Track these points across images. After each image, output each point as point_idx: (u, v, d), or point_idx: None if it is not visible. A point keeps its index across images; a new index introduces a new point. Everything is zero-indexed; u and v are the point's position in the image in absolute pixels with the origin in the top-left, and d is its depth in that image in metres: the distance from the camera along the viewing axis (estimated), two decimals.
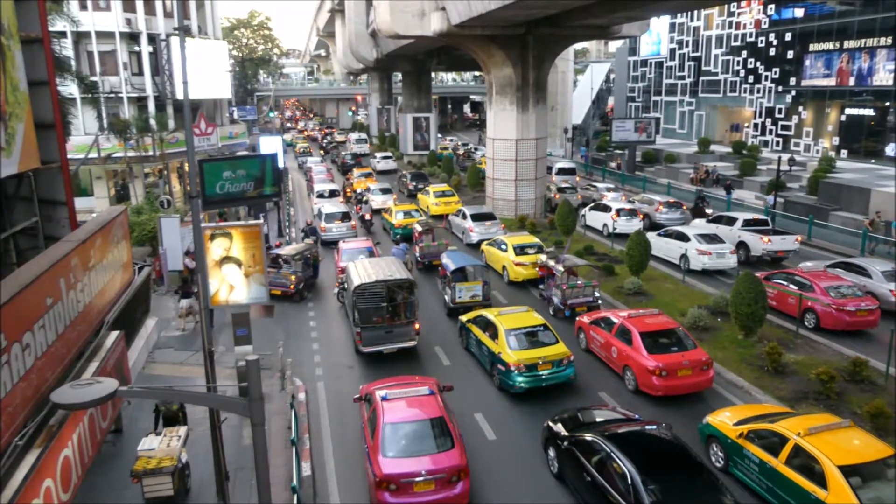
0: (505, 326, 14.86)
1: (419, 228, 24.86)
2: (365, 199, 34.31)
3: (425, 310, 18.91)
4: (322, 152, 66.63)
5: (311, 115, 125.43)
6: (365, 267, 17.35)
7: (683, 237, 23.67)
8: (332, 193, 35.17)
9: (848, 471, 9.15)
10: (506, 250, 22.61)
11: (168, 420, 11.69)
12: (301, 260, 21.59)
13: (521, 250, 22.24)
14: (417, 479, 10.05)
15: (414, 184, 40.00)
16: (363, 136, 66.80)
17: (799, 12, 45.14)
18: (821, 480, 9.32)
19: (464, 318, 17.21)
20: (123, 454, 12.08)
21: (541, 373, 14.06)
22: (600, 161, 51.15)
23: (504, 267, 22.64)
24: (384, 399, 11.29)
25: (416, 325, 16.55)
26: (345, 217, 28.57)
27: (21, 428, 6.90)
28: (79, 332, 8.74)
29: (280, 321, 18.74)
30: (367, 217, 31.65)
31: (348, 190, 38.97)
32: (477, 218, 27.53)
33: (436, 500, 10.10)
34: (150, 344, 17.05)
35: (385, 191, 35.68)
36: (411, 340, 16.45)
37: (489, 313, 15.91)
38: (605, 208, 29.38)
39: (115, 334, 10.11)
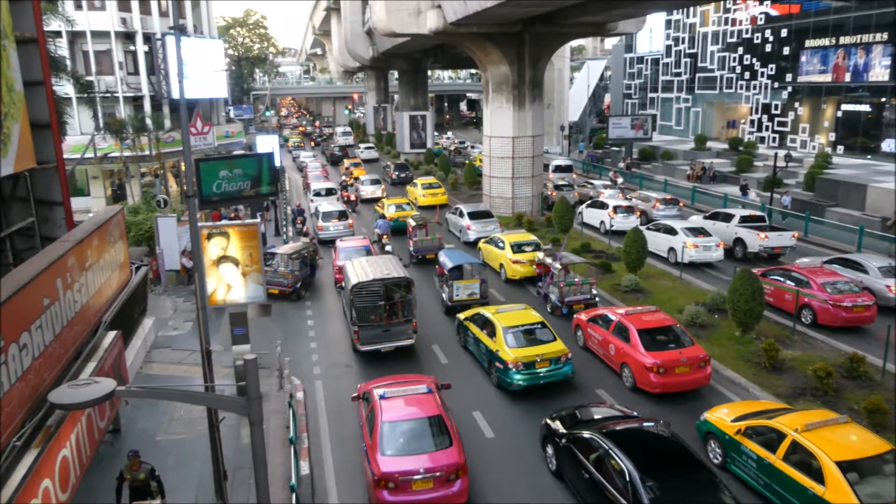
0: (503, 324, 14.87)
1: (413, 223, 25.06)
2: (351, 183, 39.42)
3: (422, 307, 18.92)
4: (312, 144, 73.26)
5: (305, 113, 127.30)
6: (362, 265, 17.34)
7: (671, 231, 24.10)
8: (329, 192, 35.35)
9: (845, 466, 9.18)
10: (503, 248, 22.62)
11: (136, 492, 9.59)
12: (298, 259, 21.57)
13: (518, 248, 22.24)
14: (416, 477, 10.05)
15: (397, 173, 43.76)
16: (348, 129, 73.53)
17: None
18: (818, 476, 9.35)
19: (461, 316, 17.22)
20: (122, 454, 12.07)
21: (539, 370, 14.07)
22: (598, 158, 51.08)
23: (501, 265, 22.64)
24: (382, 397, 11.29)
25: (414, 324, 16.56)
26: (342, 216, 28.57)
27: (19, 428, 6.90)
28: (76, 332, 8.73)
29: (278, 320, 18.71)
30: (353, 198, 35.38)
31: (348, 179, 41.71)
32: (474, 216, 27.66)
33: (434, 499, 10.10)
34: (148, 343, 17.03)
35: (374, 181, 38.84)
36: (409, 339, 16.45)
37: (487, 311, 15.92)
38: (602, 205, 29.41)
39: (112, 334, 10.10)
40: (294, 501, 9.61)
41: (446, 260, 19.40)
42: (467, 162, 46.58)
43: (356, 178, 40.61)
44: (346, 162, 48.92)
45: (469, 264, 19.79)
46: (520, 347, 14.32)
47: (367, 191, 37.35)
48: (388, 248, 24.97)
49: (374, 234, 26.23)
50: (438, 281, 20.60)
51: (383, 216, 29.15)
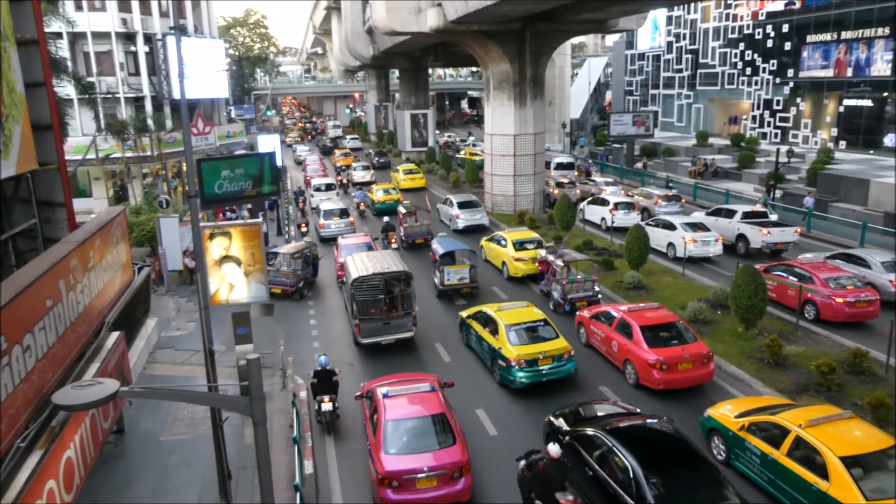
0: (505, 322, 14.87)
1: (404, 210, 27.03)
2: (345, 169, 46.00)
3: (423, 305, 19.00)
4: (309, 137, 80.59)
5: (304, 111, 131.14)
6: (363, 260, 17.47)
7: (670, 226, 24.36)
8: (329, 187, 36.12)
9: (849, 462, 9.17)
10: (505, 246, 22.63)
11: None
12: (301, 258, 21.60)
13: (520, 246, 22.25)
14: (419, 475, 10.06)
15: (377, 158, 51.54)
16: (338, 123, 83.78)
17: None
18: (822, 472, 9.34)
19: (464, 313, 17.24)
20: (126, 455, 12.11)
21: (541, 368, 14.07)
22: (606, 157, 50.83)
23: (504, 262, 22.64)
24: (385, 396, 11.31)
25: (414, 316, 16.71)
26: (343, 213, 28.69)
27: (23, 430, 6.91)
28: (79, 333, 8.74)
29: (280, 320, 18.72)
30: (345, 182, 41.81)
31: (346, 166, 47.10)
32: (463, 206, 29.24)
33: (438, 497, 10.11)
34: (151, 344, 17.05)
35: (365, 167, 44.87)
36: (409, 331, 16.63)
37: (489, 309, 15.92)
38: (604, 202, 29.38)
39: (115, 335, 10.12)
40: (298, 501, 9.62)
41: (438, 247, 20.48)
42: (457, 155, 50.51)
43: (348, 165, 47.09)
44: (338, 153, 55.55)
45: (460, 251, 20.64)
46: (522, 345, 14.32)
47: (359, 175, 43.21)
48: (365, 214, 32.53)
49: (354, 202, 33.54)
50: (432, 267, 21.28)
51: (361, 189, 36.66)
